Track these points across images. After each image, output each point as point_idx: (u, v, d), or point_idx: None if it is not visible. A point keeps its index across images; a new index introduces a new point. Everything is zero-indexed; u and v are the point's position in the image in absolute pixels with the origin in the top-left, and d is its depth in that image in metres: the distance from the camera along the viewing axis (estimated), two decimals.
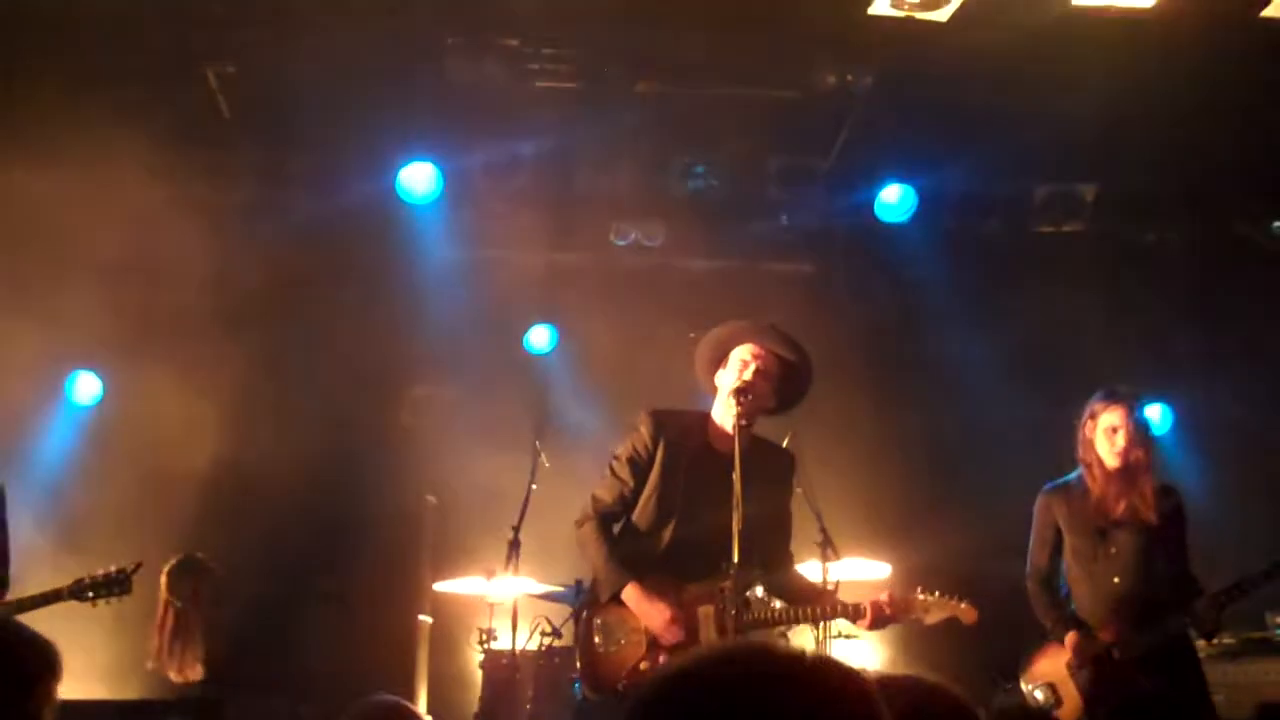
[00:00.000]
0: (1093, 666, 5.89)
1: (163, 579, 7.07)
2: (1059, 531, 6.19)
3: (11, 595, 5.81)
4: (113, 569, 5.93)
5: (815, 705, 1.57)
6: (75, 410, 9.20)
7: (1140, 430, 6.08)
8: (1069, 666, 5.94)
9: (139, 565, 6.06)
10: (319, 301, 9.07)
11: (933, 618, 5.49)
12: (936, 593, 5.49)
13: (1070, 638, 5.94)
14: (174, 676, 7.09)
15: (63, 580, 6.01)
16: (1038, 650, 6.10)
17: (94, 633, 6.24)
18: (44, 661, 2.78)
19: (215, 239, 8.61)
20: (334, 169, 8.98)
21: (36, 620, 5.43)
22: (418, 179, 9.01)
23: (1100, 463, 6.10)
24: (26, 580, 6.06)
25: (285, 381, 9.27)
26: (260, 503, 8.47)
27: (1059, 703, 5.92)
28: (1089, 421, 6.14)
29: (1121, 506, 6.06)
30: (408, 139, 8.86)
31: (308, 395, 9.07)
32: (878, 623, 5.46)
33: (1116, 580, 6.00)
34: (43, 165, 7.91)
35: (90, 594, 5.86)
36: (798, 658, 1.64)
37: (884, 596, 5.48)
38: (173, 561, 7.13)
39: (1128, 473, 6.05)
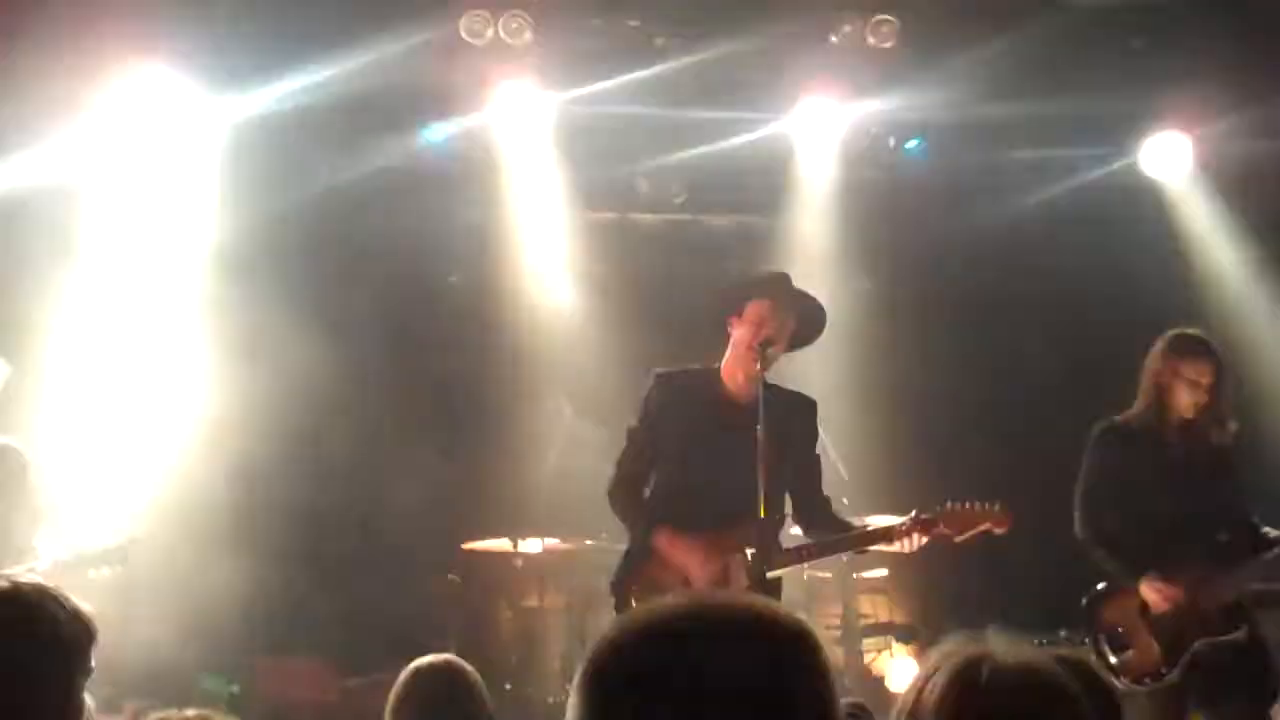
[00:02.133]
0: (1174, 612, 5.65)
1: None
2: (1115, 476, 5.91)
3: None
4: (111, 541, 5.88)
5: (755, 650, 1.59)
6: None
7: (1224, 387, 5.83)
8: (1142, 612, 5.71)
9: (133, 539, 5.95)
10: (342, 262, 9.07)
11: (964, 532, 5.31)
12: (966, 503, 5.34)
13: (1148, 584, 5.69)
14: None
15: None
16: (1101, 598, 5.86)
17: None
18: (86, 632, 2.83)
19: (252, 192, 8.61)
20: (356, 131, 8.95)
21: None
22: (440, 138, 9.00)
23: (1171, 408, 5.85)
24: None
25: (309, 343, 9.28)
26: (289, 463, 8.49)
27: (1127, 650, 5.73)
28: (1166, 368, 5.85)
29: (1185, 450, 5.84)
30: (429, 97, 8.83)
31: (333, 356, 9.08)
32: (912, 539, 5.32)
33: (1189, 525, 5.75)
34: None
35: (89, 564, 5.81)
36: (743, 604, 1.67)
37: (913, 514, 5.38)
38: None
39: (1201, 424, 5.85)
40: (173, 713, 2.69)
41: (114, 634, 2.97)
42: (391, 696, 3.89)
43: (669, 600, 1.69)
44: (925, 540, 5.35)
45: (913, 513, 5.41)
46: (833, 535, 5.64)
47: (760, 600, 1.70)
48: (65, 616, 2.80)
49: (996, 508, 5.34)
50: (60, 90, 7.65)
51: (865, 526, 5.85)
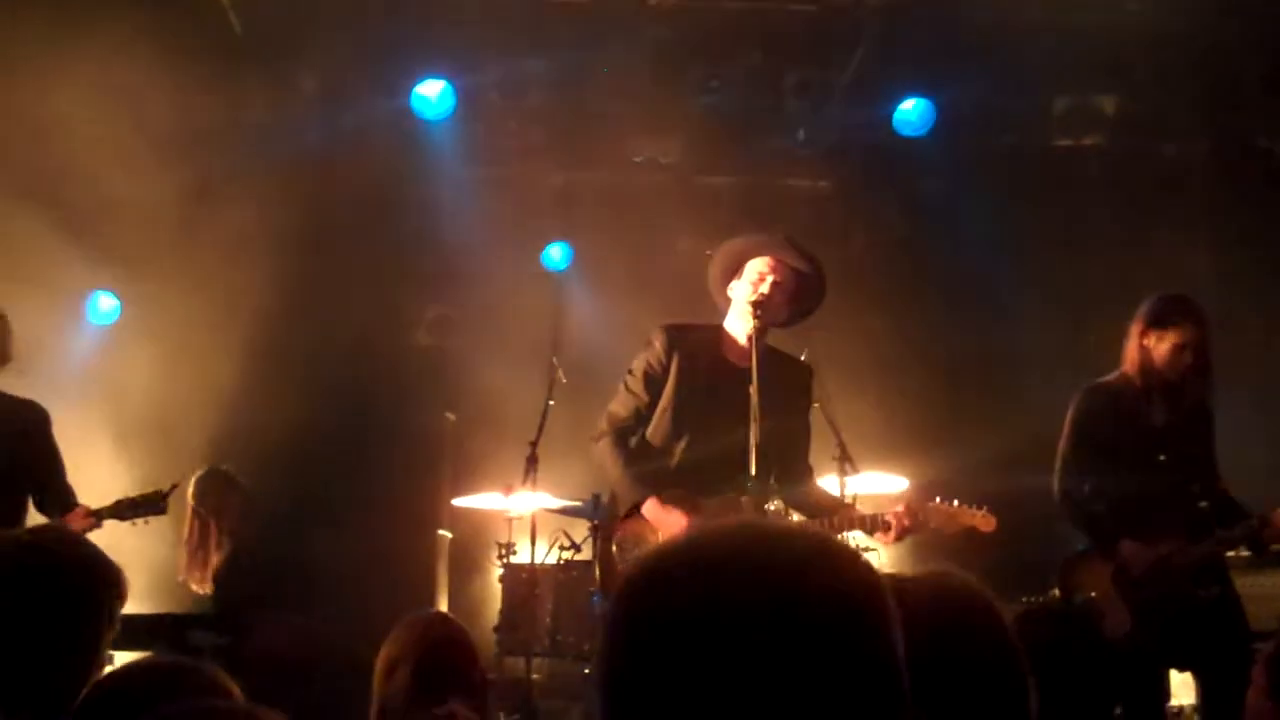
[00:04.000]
0: (1148, 577, 5.69)
1: (189, 491, 7.20)
2: (1097, 436, 5.93)
3: None
4: (150, 490, 6.15)
5: (815, 583, 1.48)
6: (94, 328, 9.23)
7: (1207, 351, 5.84)
8: (1116, 577, 5.73)
9: (174, 487, 6.28)
10: (334, 220, 9.06)
11: (951, 528, 5.43)
12: (955, 502, 5.47)
13: (1126, 546, 5.72)
14: (195, 587, 7.23)
15: (87, 498, 6.17)
16: (1076, 561, 5.90)
17: (132, 547, 6.33)
18: (114, 580, 2.85)
19: (226, 156, 8.59)
20: (347, 86, 8.92)
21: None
22: (431, 95, 8.95)
23: (1155, 372, 5.86)
24: None
25: (299, 301, 9.29)
26: (278, 421, 8.51)
27: (1101, 615, 5.72)
28: (1150, 331, 5.86)
29: (1167, 413, 5.88)
30: (421, 55, 8.79)
31: (325, 314, 9.09)
32: (896, 534, 5.42)
33: (1168, 489, 5.79)
34: (52, 85, 7.85)
35: (129, 513, 6.06)
36: (799, 534, 1.57)
37: (900, 508, 5.48)
38: (199, 473, 7.26)
39: (1184, 387, 5.88)
40: (162, 659, 2.69)
41: None
42: (383, 652, 3.87)
43: (711, 528, 1.56)
44: (909, 534, 5.43)
45: (901, 507, 5.46)
46: (819, 512, 5.66)
47: (813, 532, 1.60)
48: (88, 568, 2.82)
49: (983, 510, 5.42)
50: None
51: (849, 505, 5.87)
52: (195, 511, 7.23)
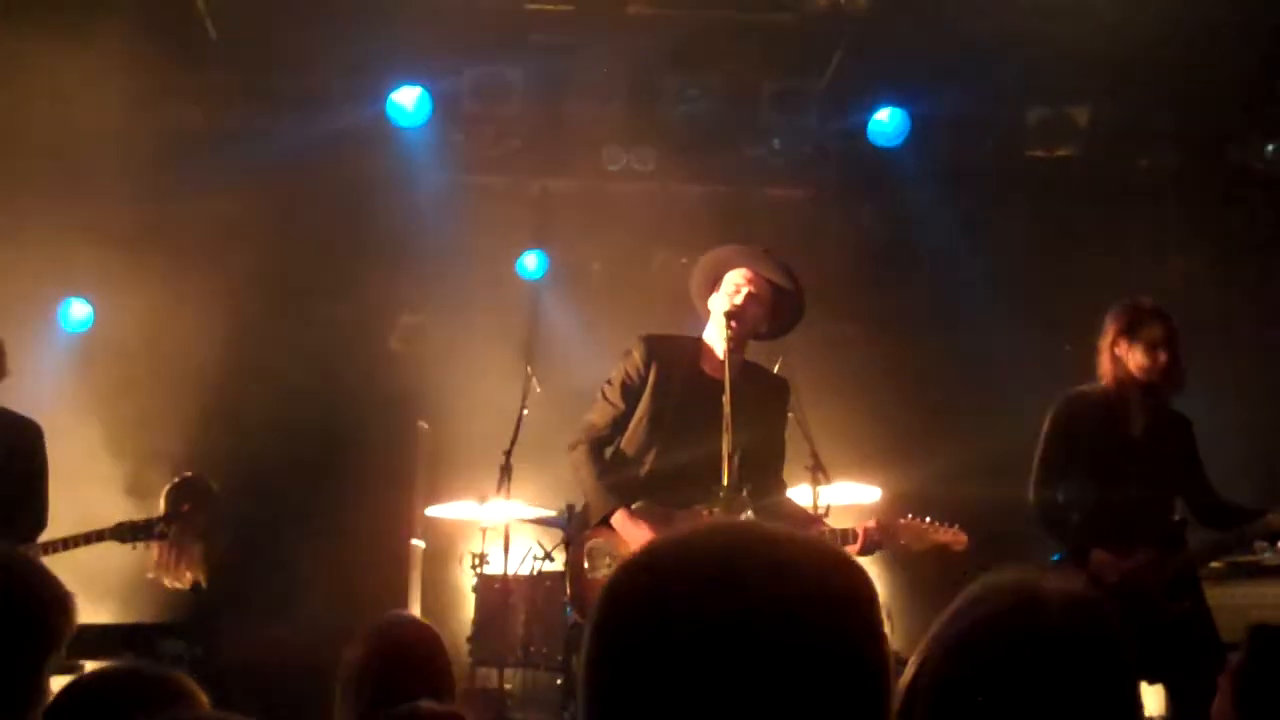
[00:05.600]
0: (1120, 587, 5.63)
1: (162, 498, 7.16)
2: (1074, 445, 5.92)
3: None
4: (153, 516, 6.26)
5: (805, 584, 1.47)
6: (66, 336, 9.18)
7: (1180, 349, 5.86)
8: (1089, 585, 5.73)
9: (175, 515, 6.34)
10: (308, 226, 9.03)
11: (922, 544, 5.47)
12: (927, 519, 5.49)
13: (1099, 555, 5.70)
14: (168, 583, 7.20)
15: (66, 509, 6.25)
16: (1054, 569, 5.74)
17: (104, 553, 6.35)
18: (63, 602, 2.82)
19: (201, 162, 8.56)
20: (322, 92, 8.89)
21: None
22: (407, 102, 8.93)
23: (1131, 380, 5.87)
24: None
25: (273, 308, 9.26)
26: (251, 429, 8.49)
27: None
28: (1121, 339, 5.88)
29: (1144, 424, 5.90)
30: (397, 62, 8.78)
31: (297, 321, 9.07)
32: (866, 548, 5.45)
33: (1143, 499, 5.79)
34: (26, 89, 7.82)
35: (129, 536, 6.13)
36: (787, 536, 1.54)
37: (872, 522, 5.50)
38: (173, 480, 7.22)
39: (1158, 390, 5.89)
40: (130, 665, 2.67)
41: (77, 596, 2.95)
42: (348, 653, 3.82)
43: (696, 530, 1.54)
44: (880, 547, 5.45)
45: (873, 521, 5.48)
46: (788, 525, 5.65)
47: (800, 534, 1.57)
48: (34, 594, 2.79)
49: (954, 529, 5.45)
50: None
51: (820, 520, 5.87)
52: (168, 518, 7.19)
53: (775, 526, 1.57)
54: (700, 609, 1.43)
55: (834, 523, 5.75)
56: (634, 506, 5.53)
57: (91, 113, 8.07)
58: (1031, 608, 1.90)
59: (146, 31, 7.93)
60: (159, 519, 6.21)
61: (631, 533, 5.48)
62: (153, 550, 7.17)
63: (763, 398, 5.69)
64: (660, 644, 1.44)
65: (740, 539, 1.52)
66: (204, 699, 2.49)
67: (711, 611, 1.43)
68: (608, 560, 5.56)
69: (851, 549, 5.45)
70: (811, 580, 1.48)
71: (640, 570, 1.52)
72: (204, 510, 7.22)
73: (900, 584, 7.99)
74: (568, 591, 5.73)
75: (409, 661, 3.72)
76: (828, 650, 1.45)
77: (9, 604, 2.72)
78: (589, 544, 5.62)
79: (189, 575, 7.15)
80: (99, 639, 6.08)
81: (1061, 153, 9.38)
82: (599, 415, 5.77)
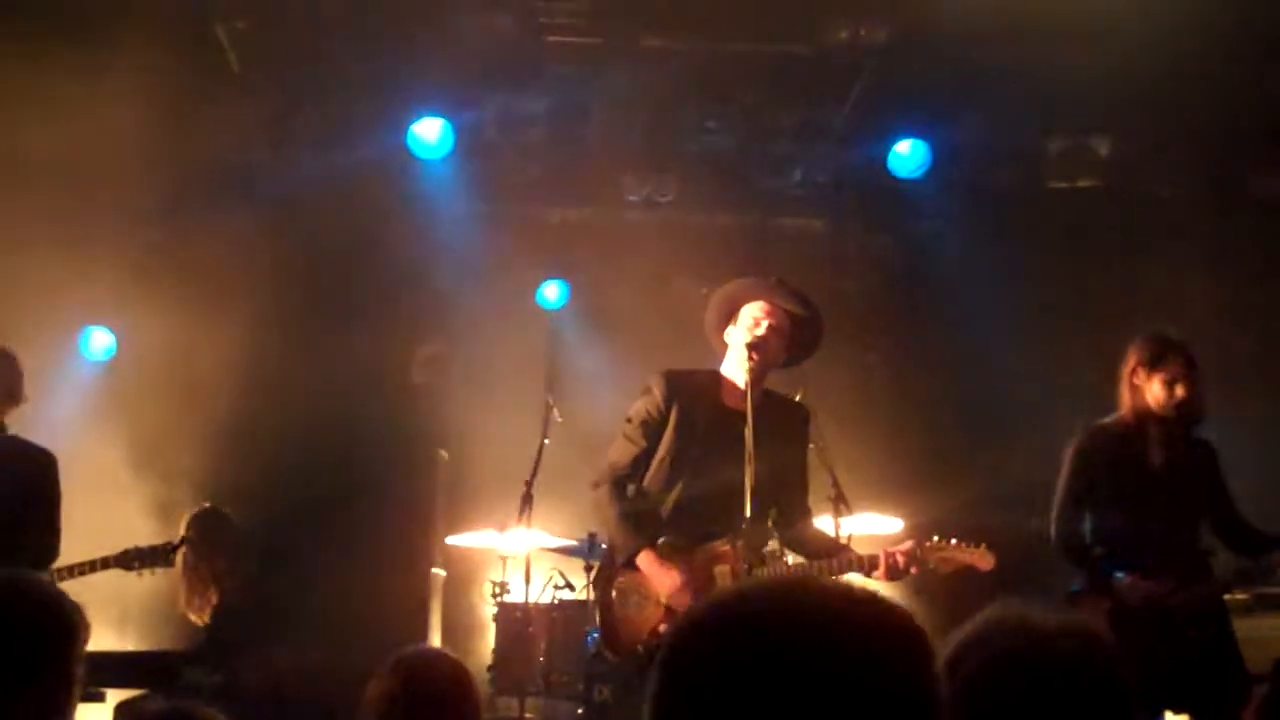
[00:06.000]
0: (1144, 614, 5.62)
1: (183, 527, 7.19)
2: (1095, 477, 5.92)
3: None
4: (158, 543, 6.22)
5: (862, 640, 1.51)
6: (89, 365, 9.22)
7: (1200, 384, 5.87)
8: (1111, 616, 5.62)
9: (184, 540, 6.37)
10: (329, 257, 9.07)
11: (948, 567, 5.43)
12: (953, 540, 5.46)
13: (1121, 581, 5.70)
14: (194, 619, 7.22)
15: (89, 538, 6.23)
16: (1072, 601, 5.83)
17: (129, 582, 6.36)
18: (77, 620, 2.84)
19: (222, 193, 8.61)
20: (345, 124, 8.94)
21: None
22: (429, 134, 8.97)
23: (1148, 412, 5.89)
24: None
25: (294, 337, 9.30)
26: (272, 457, 8.51)
27: None
28: (1140, 370, 5.90)
29: (1165, 455, 5.88)
30: (419, 93, 8.83)
31: (318, 351, 9.09)
32: (892, 574, 5.40)
33: (1166, 530, 5.79)
34: (52, 122, 7.87)
35: (135, 563, 6.10)
36: (844, 592, 1.58)
37: (899, 547, 5.48)
38: (194, 511, 7.26)
39: (1178, 424, 5.89)
40: (155, 703, 2.69)
41: (99, 623, 2.98)
42: (372, 687, 3.81)
43: (758, 584, 1.64)
44: (905, 573, 5.42)
45: (901, 546, 5.47)
46: (818, 553, 5.66)
47: (860, 590, 1.61)
48: (49, 615, 2.81)
49: (982, 548, 5.42)
50: None
51: (846, 546, 5.86)
52: (189, 548, 7.20)
53: (833, 584, 1.62)
54: (764, 658, 1.48)
55: (859, 550, 5.73)
56: (659, 543, 5.51)
57: (113, 142, 8.12)
58: (1034, 648, 1.95)
59: (169, 64, 8.00)
60: (165, 545, 6.21)
61: (657, 574, 5.47)
62: (179, 585, 7.22)
63: (784, 427, 5.69)
64: (726, 691, 1.49)
65: (803, 591, 1.57)
66: None
67: (775, 661, 1.48)
68: (636, 600, 5.54)
69: (876, 575, 5.43)
70: (870, 630, 1.53)
71: (709, 619, 1.57)
72: (223, 538, 7.25)
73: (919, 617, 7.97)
74: (598, 629, 5.71)
75: (435, 697, 3.71)
76: (886, 698, 1.49)
77: (23, 626, 2.75)
78: (617, 582, 5.61)
79: (207, 611, 7.18)
80: (121, 667, 6.09)
81: (1083, 183, 9.38)
82: (621, 453, 5.75)
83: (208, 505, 7.43)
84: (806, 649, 1.48)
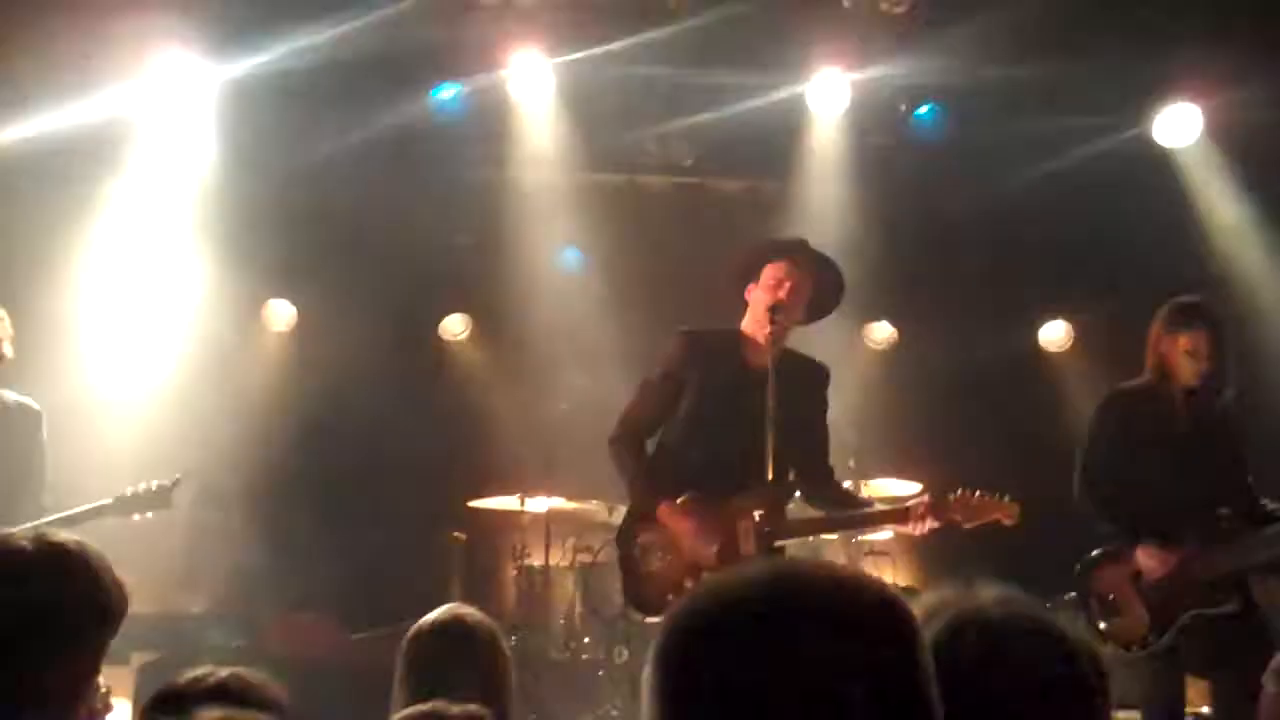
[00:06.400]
0: (1166, 582, 5.63)
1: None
2: (1119, 441, 5.89)
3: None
4: (154, 484, 5.77)
5: (849, 623, 1.54)
6: None
7: (1222, 355, 5.81)
8: (1134, 579, 5.68)
9: (178, 480, 5.87)
10: (349, 223, 9.06)
11: (973, 520, 5.40)
12: (977, 492, 5.46)
13: (1144, 550, 5.68)
14: (215, 585, 7.23)
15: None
16: (1093, 564, 5.84)
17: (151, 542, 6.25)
18: (120, 599, 2.85)
19: (247, 160, 8.61)
20: (364, 90, 8.91)
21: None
22: (447, 99, 8.95)
23: (1173, 376, 5.86)
24: None
25: (316, 302, 9.33)
26: (293, 421, 8.56)
27: (1116, 616, 5.72)
28: (1165, 338, 5.87)
29: (1190, 420, 5.85)
30: (437, 58, 8.79)
31: (338, 314, 9.11)
32: (915, 524, 5.41)
33: (1190, 495, 5.73)
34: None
35: (133, 508, 5.73)
36: (829, 574, 1.61)
37: (923, 498, 5.49)
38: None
39: (1202, 392, 5.85)
40: (207, 672, 2.68)
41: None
42: (410, 648, 3.83)
43: (752, 572, 1.62)
44: (934, 525, 5.42)
45: (925, 497, 5.48)
46: (842, 511, 5.70)
47: (850, 575, 1.64)
48: (98, 590, 2.82)
49: (1006, 499, 5.42)
50: (65, 50, 7.63)
51: (870, 501, 5.87)
52: (215, 510, 7.28)
53: (817, 568, 1.65)
54: (750, 650, 1.52)
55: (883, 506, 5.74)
56: (681, 500, 5.53)
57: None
58: (975, 629, 1.96)
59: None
60: (161, 485, 5.76)
61: (680, 527, 5.48)
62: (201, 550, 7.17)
63: (805, 386, 5.68)
64: (718, 684, 1.52)
65: (786, 581, 1.59)
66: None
67: (759, 652, 1.51)
68: (659, 553, 5.56)
69: (900, 527, 5.44)
70: (855, 620, 1.55)
71: (693, 615, 1.59)
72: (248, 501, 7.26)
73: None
74: (621, 586, 5.73)
75: (470, 656, 3.74)
76: (874, 688, 1.51)
77: (78, 586, 2.76)
78: (640, 539, 5.62)
79: None
80: (145, 630, 6.11)
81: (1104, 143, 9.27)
82: (639, 409, 5.78)
83: (234, 468, 7.44)
84: (796, 636, 1.51)
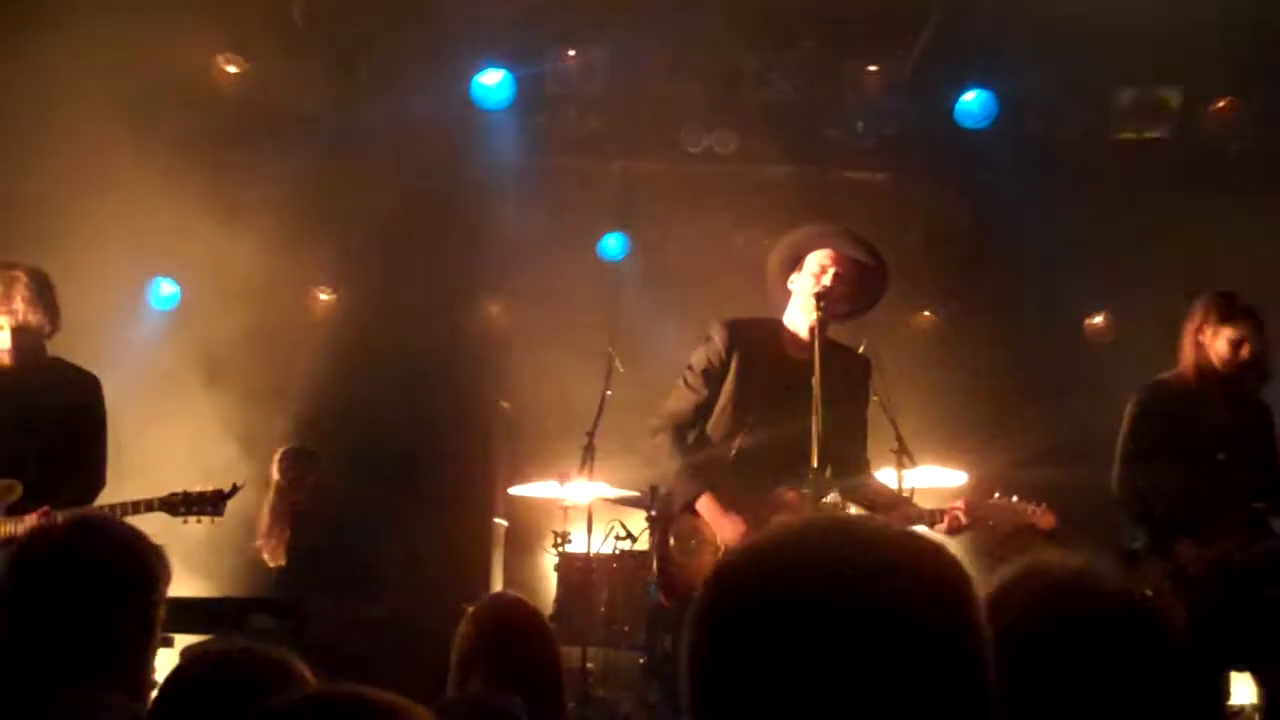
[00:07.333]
0: (1207, 576, 5.59)
1: (274, 462, 7.29)
2: (1156, 433, 5.91)
3: (103, 499, 5.76)
4: (210, 488, 5.73)
5: (903, 583, 1.49)
6: (156, 314, 9.32)
7: (1267, 346, 5.82)
8: (1172, 574, 5.61)
9: (235, 488, 5.81)
10: (391, 210, 9.09)
11: (1009, 524, 5.43)
12: (1014, 497, 5.45)
13: (1183, 545, 5.66)
14: (267, 559, 7.31)
15: (144, 483, 5.97)
16: (1132, 558, 5.79)
17: (195, 527, 6.21)
18: (155, 563, 2.89)
19: (287, 148, 8.64)
20: (406, 75, 8.93)
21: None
22: (491, 84, 8.95)
23: (1211, 369, 5.85)
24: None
25: (355, 290, 9.36)
26: (334, 409, 8.59)
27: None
28: (1207, 327, 5.86)
29: (1227, 412, 5.86)
30: (480, 44, 8.80)
31: (379, 303, 9.15)
32: (949, 529, 5.42)
33: (1228, 488, 5.75)
34: (107, 68, 7.86)
35: (181, 509, 5.67)
36: (882, 534, 1.56)
37: (959, 502, 5.47)
38: (287, 446, 7.34)
39: (1239, 384, 5.86)
40: (249, 646, 2.69)
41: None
42: (464, 631, 3.85)
43: (793, 529, 1.57)
44: (968, 528, 5.41)
45: (959, 502, 5.46)
46: (876, 504, 5.67)
47: (899, 531, 1.60)
48: (123, 558, 2.85)
49: (1042, 507, 5.41)
50: None
51: (906, 499, 5.84)
52: (278, 485, 7.36)
53: (873, 522, 1.61)
54: (802, 605, 1.47)
55: (919, 505, 5.72)
56: (720, 491, 5.51)
57: (175, 97, 8.18)
58: (1078, 594, 2.00)
59: (234, 17, 8.03)
60: (217, 492, 5.70)
61: (718, 519, 5.47)
62: (261, 519, 7.27)
63: (846, 378, 5.66)
64: (764, 639, 1.48)
65: (840, 535, 1.55)
66: (311, 679, 2.52)
67: (813, 607, 1.46)
68: (694, 544, 5.55)
69: (939, 530, 5.42)
70: (910, 575, 1.50)
71: (743, 567, 1.55)
72: (307, 479, 7.33)
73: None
74: (655, 575, 5.73)
75: (519, 641, 3.76)
76: (927, 644, 1.47)
77: (110, 554, 2.80)
78: (675, 528, 5.61)
79: (281, 552, 7.27)
80: (189, 613, 6.14)
81: (1152, 135, 9.22)
82: (681, 401, 5.75)
83: (299, 444, 7.52)
84: (845, 595, 1.47)
